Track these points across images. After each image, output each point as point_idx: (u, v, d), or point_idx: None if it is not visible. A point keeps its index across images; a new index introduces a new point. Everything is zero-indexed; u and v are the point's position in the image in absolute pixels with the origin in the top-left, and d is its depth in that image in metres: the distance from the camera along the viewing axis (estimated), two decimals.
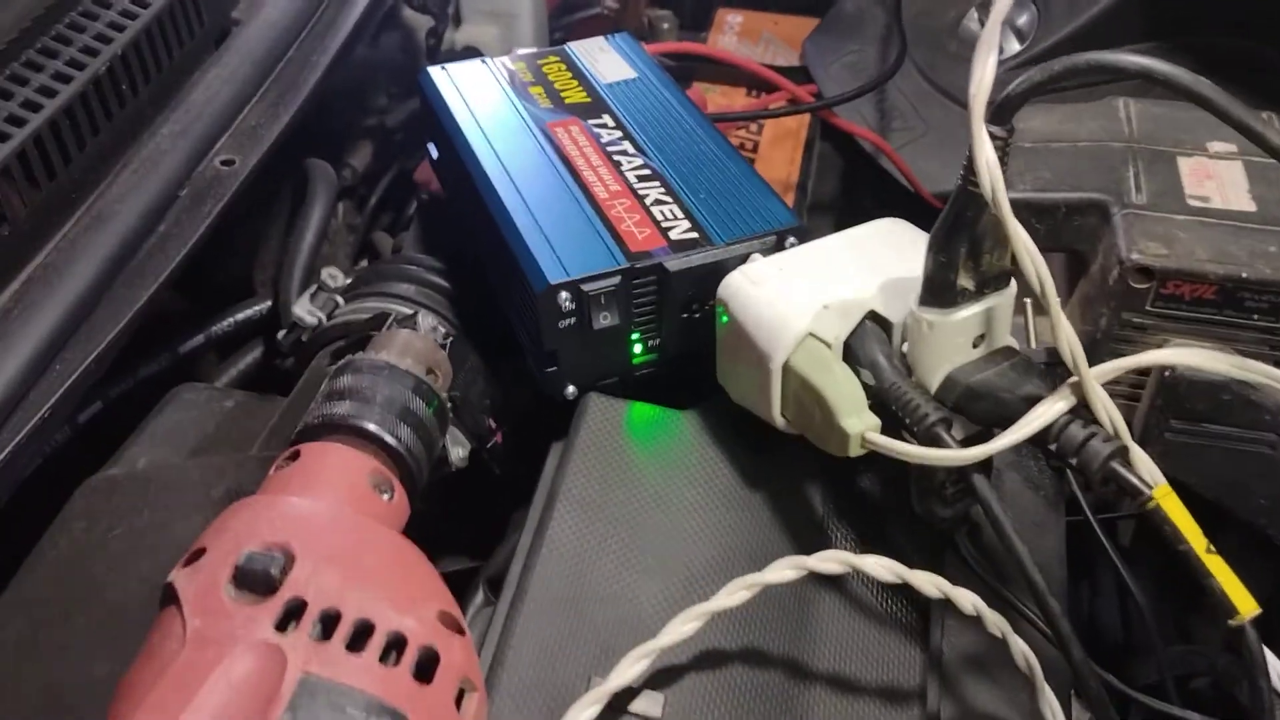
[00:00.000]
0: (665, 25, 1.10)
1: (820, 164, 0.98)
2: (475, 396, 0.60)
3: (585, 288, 0.55)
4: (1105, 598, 0.77)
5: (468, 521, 0.62)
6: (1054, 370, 0.63)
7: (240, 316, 0.77)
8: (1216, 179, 0.66)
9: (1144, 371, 0.66)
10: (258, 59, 0.64)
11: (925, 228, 0.95)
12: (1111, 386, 0.67)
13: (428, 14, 0.97)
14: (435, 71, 0.71)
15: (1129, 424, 0.67)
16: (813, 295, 0.52)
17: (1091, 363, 0.67)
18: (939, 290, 0.50)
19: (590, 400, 0.58)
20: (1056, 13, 0.96)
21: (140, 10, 0.60)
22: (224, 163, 0.60)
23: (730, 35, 1.09)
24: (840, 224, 1.00)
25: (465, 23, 1.04)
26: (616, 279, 0.56)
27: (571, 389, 0.58)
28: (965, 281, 0.50)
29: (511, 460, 0.62)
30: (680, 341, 0.59)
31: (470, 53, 1.02)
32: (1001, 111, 0.46)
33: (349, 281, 0.67)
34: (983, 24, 0.98)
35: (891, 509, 0.57)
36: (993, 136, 0.46)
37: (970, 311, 0.51)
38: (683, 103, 0.68)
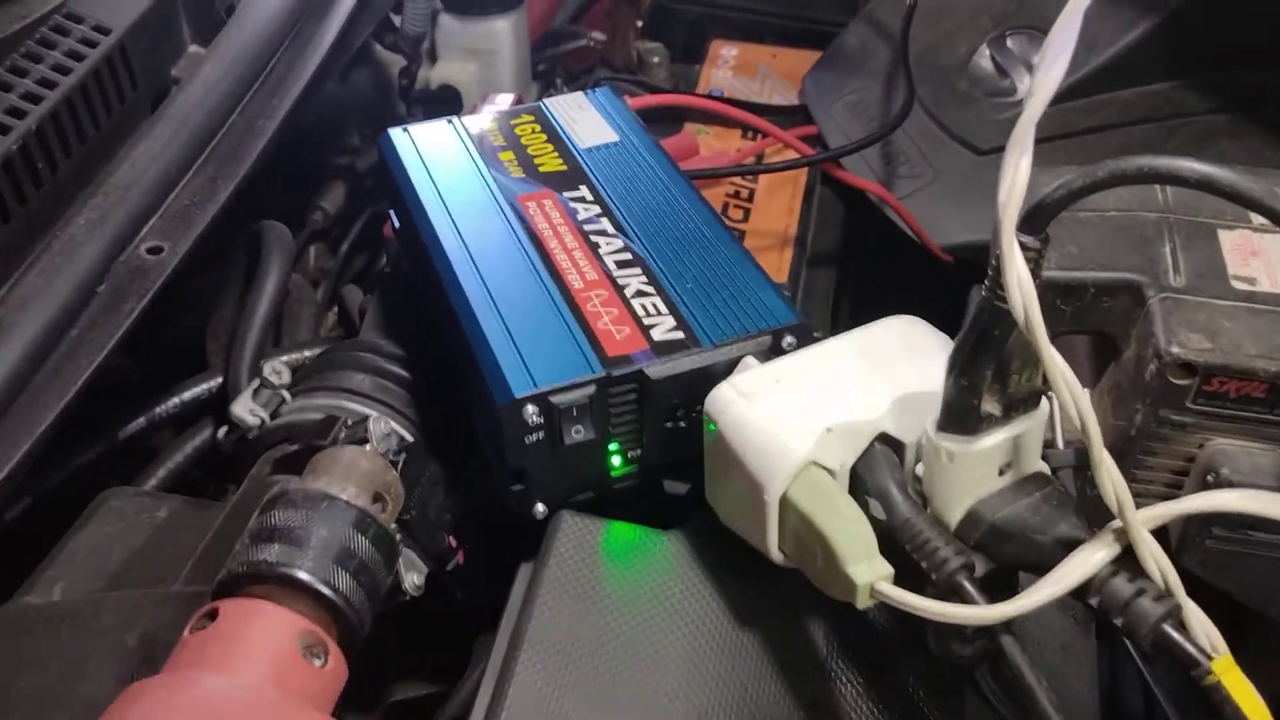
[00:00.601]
0: (656, 59, 1.04)
1: (821, 211, 0.91)
2: (434, 513, 0.53)
3: (555, 400, 0.48)
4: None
5: (426, 649, 0.55)
6: (1088, 492, 0.56)
7: (187, 395, 0.70)
8: (1263, 256, 0.60)
9: (1181, 470, 0.60)
10: (195, 127, 0.58)
11: (936, 282, 0.90)
12: (1144, 485, 0.61)
13: (399, 53, 0.90)
14: (396, 134, 0.64)
15: (1167, 527, 0.61)
16: (815, 415, 0.46)
17: (1123, 464, 0.61)
18: (960, 417, 0.43)
19: (562, 521, 0.52)
20: (1074, 50, 0.89)
21: (61, 78, 0.54)
22: (151, 250, 0.53)
23: (725, 69, 1.02)
24: (843, 279, 0.94)
25: (441, 60, 0.97)
26: (590, 389, 0.49)
27: (541, 507, 0.52)
28: (990, 406, 0.43)
29: (476, 580, 0.55)
30: (664, 451, 0.52)
31: (446, 91, 0.96)
32: (1035, 220, 0.39)
33: (293, 379, 0.60)
34: (995, 62, 0.93)
35: (902, 642, 0.50)
36: (1024, 248, 0.39)
37: (996, 440, 0.44)
38: (669, 172, 0.61)
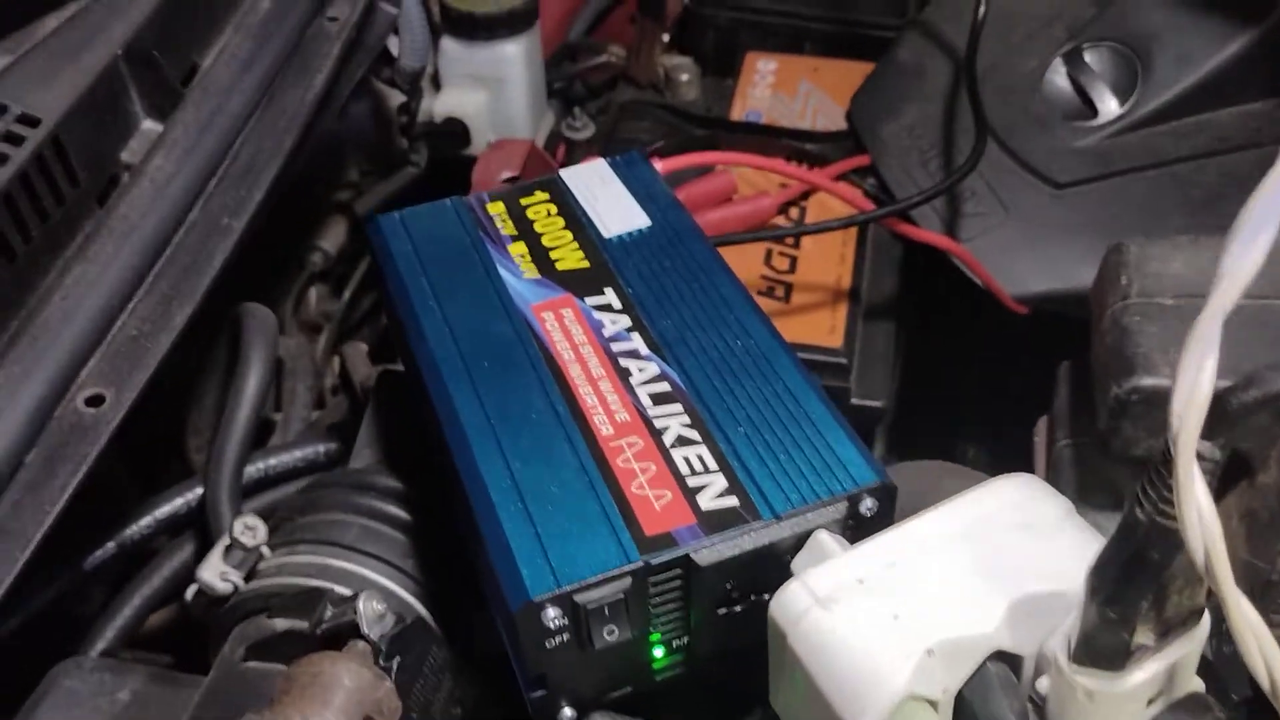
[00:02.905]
0: (685, 76, 0.93)
1: (876, 254, 0.81)
2: (439, 710, 0.44)
3: (581, 599, 0.39)
4: None
5: None
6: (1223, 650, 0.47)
7: (161, 513, 0.61)
8: None
9: None
10: (144, 236, 0.48)
11: (1011, 337, 0.79)
12: None
13: (395, 88, 0.80)
14: (386, 222, 0.55)
15: None
16: (911, 630, 0.36)
17: (1260, 606, 0.51)
18: (1104, 653, 0.34)
19: None
20: (1162, 67, 0.78)
21: None
22: (90, 401, 0.44)
23: (763, 87, 0.91)
24: (902, 336, 0.84)
25: (446, 88, 0.87)
26: (626, 582, 0.39)
27: (569, 713, 0.42)
28: (1143, 637, 0.34)
29: None
30: (717, 641, 0.43)
31: (452, 125, 0.86)
32: (1217, 427, 0.29)
33: (268, 538, 0.51)
34: (1074, 79, 0.81)
35: None
36: (1201, 460, 0.29)
37: (1149, 673, 0.34)
38: (712, 268, 0.51)
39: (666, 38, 0.95)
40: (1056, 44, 0.82)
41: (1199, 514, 0.29)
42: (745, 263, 0.77)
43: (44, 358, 0.44)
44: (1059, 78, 0.81)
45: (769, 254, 0.78)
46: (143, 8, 0.55)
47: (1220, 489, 0.53)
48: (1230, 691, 0.44)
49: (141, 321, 0.47)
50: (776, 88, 0.91)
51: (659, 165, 0.61)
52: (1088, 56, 0.80)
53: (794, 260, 0.78)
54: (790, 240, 0.79)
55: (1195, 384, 0.28)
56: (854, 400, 0.73)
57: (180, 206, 0.50)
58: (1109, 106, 0.79)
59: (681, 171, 0.74)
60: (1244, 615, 0.30)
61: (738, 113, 0.89)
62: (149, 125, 0.54)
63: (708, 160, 0.71)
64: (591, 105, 0.96)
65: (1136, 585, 0.32)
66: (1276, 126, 0.77)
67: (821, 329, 0.74)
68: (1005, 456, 0.76)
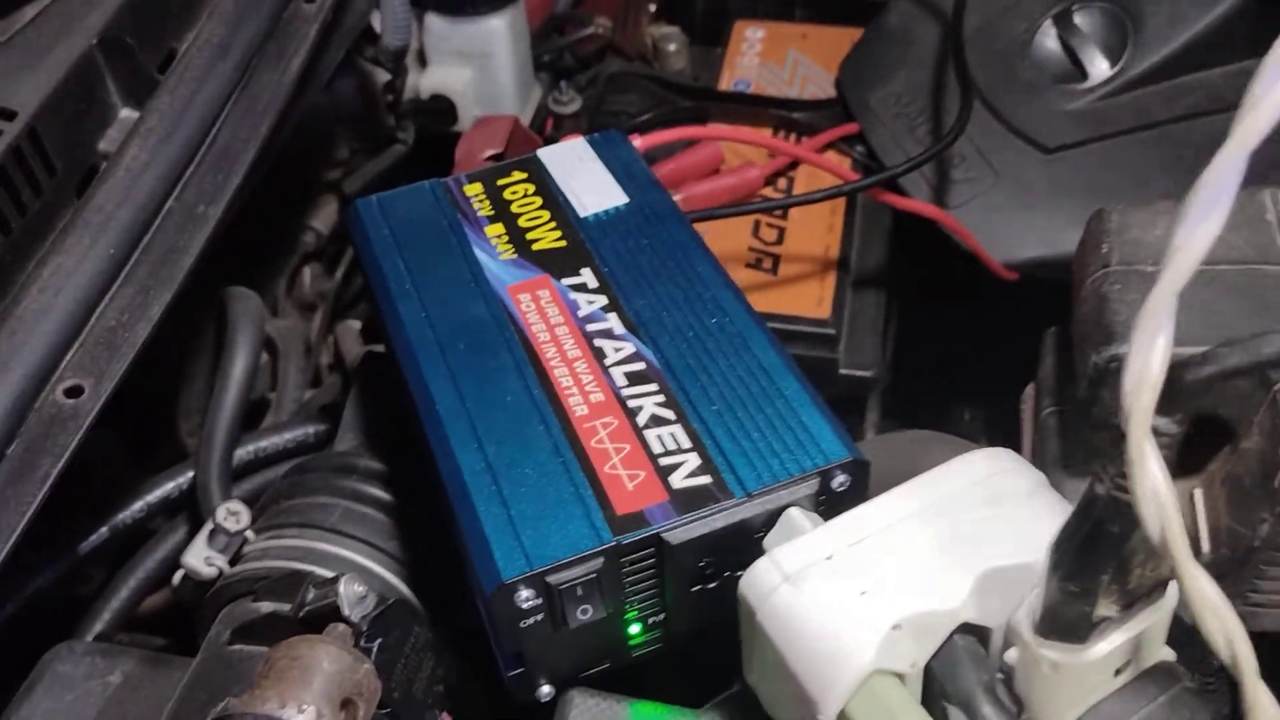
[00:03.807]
0: (672, 46, 0.92)
1: (865, 222, 0.81)
2: (421, 688, 0.45)
3: (553, 579, 0.39)
4: None
5: None
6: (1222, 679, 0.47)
7: (153, 497, 0.62)
8: None
9: None
10: (121, 226, 0.48)
11: (1002, 305, 0.79)
12: (1270, 596, 0.52)
13: (380, 66, 0.80)
14: (364, 206, 0.55)
15: None
16: (879, 606, 0.36)
17: (1242, 573, 0.51)
18: (1068, 626, 0.34)
19: (573, 704, 0.43)
20: (1153, 27, 0.77)
21: None
22: (69, 392, 0.44)
23: (751, 56, 0.91)
24: (893, 304, 0.84)
25: (432, 64, 0.86)
26: (598, 562, 0.40)
27: (547, 689, 0.43)
28: (1106, 609, 0.34)
29: None
30: (692, 618, 0.43)
31: (438, 102, 0.85)
32: (1169, 401, 0.29)
33: (251, 522, 0.52)
34: (1064, 41, 0.80)
35: None
36: (1158, 434, 0.29)
37: (1113, 645, 0.35)
38: (689, 246, 0.51)
39: (653, 8, 0.94)
40: (1046, 6, 0.81)
41: (1154, 489, 0.29)
42: (733, 235, 0.76)
43: (23, 350, 0.44)
44: (1049, 40, 0.80)
45: (757, 225, 0.77)
46: None
47: (1204, 456, 0.53)
48: (1210, 659, 0.44)
49: (119, 312, 0.47)
50: (764, 56, 0.91)
51: (640, 142, 0.61)
52: (1078, 18, 0.79)
53: (782, 231, 0.78)
54: (778, 211, 0.78)
55: (1147, 361, 0.28)
56: (843, 370, 0.73)
57: (156, 196, 0.50)
58: (1099, 68, 0.78)
59: (669, 143, 0.74)
60: (1200, 589, 0.30)
61: (726, 82, 0.89)
62: (126, 113, 0.55)
63: (690, 135, 0.70)
64: (580, 77, 0.96)
65: (1096, 559, 0.32)
66: None
67: (810, 300, 0.74)
68: (1000, 422, 0.76)
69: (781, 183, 0.81)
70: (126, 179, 0.49)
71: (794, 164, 0.81)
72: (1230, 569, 0.50)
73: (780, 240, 0.77)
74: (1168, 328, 0.28)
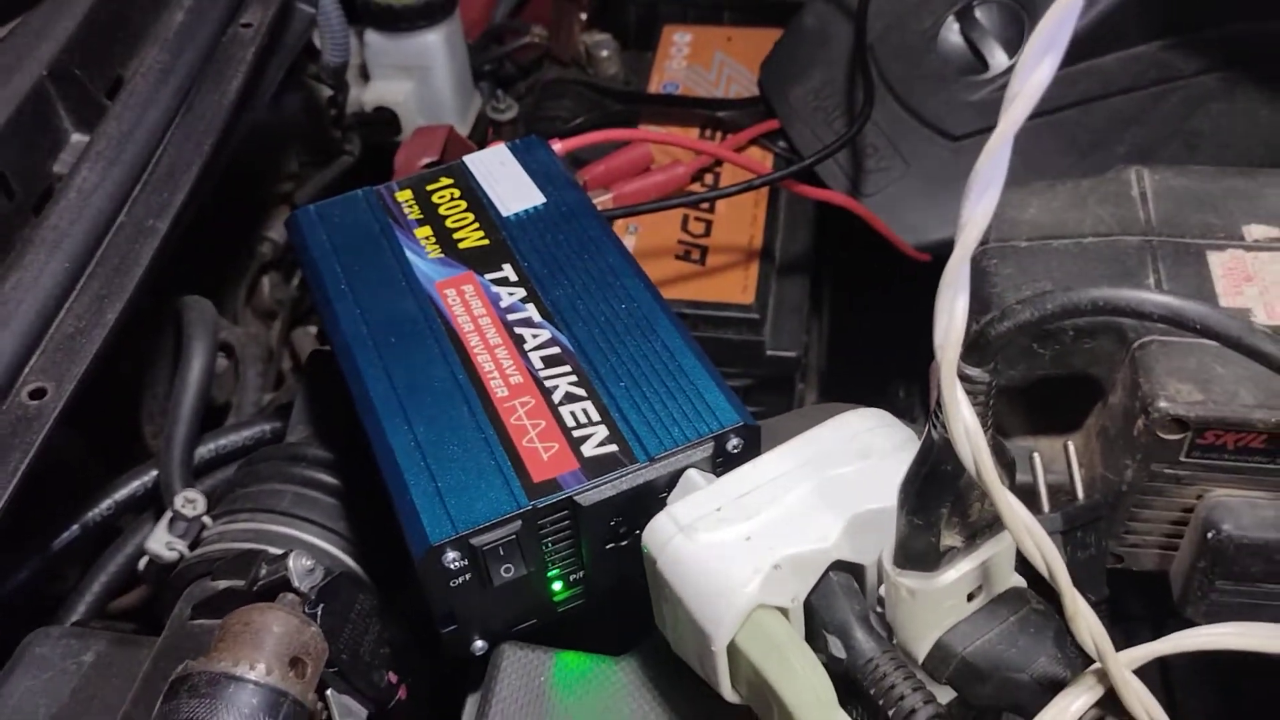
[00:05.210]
0: (605, 53, 0.97)
1: (789, 213, 0.86)
2: (368, 650, 0.49)
3: (476, 541, 0.44)
4: None
5: None
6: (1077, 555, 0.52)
7: (120, 496, 0.66)
8: (1258, 280, 0.54)
9: (1179, 520, 0.55)
10: (76, 240, 0.52)
11: (916, 284, 0.84)
12: (1142, 537, 0.57)
13: (322, 84, 0.84)
14: (303, 216, 0.59)
15: (1168, 575, 0.57)
16: (761, 549, 0.41)
17: (1115, 516, 0.56)
18: (918, 556, 0.39)
19: (505, 655, 0.48)
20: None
21: None
22: (33, 394, 0.49)
23: (679, 59, 0.95)
24: (817, 289, 0.89)
25: (374, 78, 0.91)
26: (516, 524, 0.44)
27: (480, 644, 0.48)
28: (951, 540, 0.39)
29: (423, 716, 0.52)
30: (610, 573, 0.48)
31: (381, 114, 0.90)
32: (979, 353, 0.34)
33: (207, 509, 0.56)
34: (965, 36, 0.85)
35: None
36: (970, 382, 0.34)
37: (960, 572, 0.40)
38: (600, 239, 0.56)
39: (584, 16, 0.99)
40: (950, 3, 0.86)
41: (964, 429, 0.34)
42: (663, 229, 0.81)
43: None
44: (952, 35, 0.85)
45: (685, 219, 0.82)
46: (65, 29, 0.59)
47: (1081, 413, 0.58)
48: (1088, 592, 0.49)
49: (77, 319, 0.51)
50: (692, 59, 0.96)
51: (562, 145, 0.66)
52: (978, 13, 0.84)
53: (709, 224, 0.82)
54: (705, 205, 0.83)
55: (950, 320, 0.33)
56: (769, 352, 0.78)
57: (107, 213, 0.54)
58: (999, 60, 0.83)
59: (601, 145, 0.79)
60: (1012, 511, 0.34)
61: (655, 85, 0.93)
62: (78, 138, 0.59)
63: (612, 137, 0.75)
64: (520, 85, 1.00)
65: (935, 495, 0.37)
66: (1157, 68, 0.81)
67: (735, 287, 0.79)
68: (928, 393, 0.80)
69: (708, 178, 0.85)
70: (79, 199, 0.54)
71: (720, 161, 0.85)
72: (1105, 514, 0.55)
73: (708, 233, 0.82)
74: (964, 291, 0.33)
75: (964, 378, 0.34)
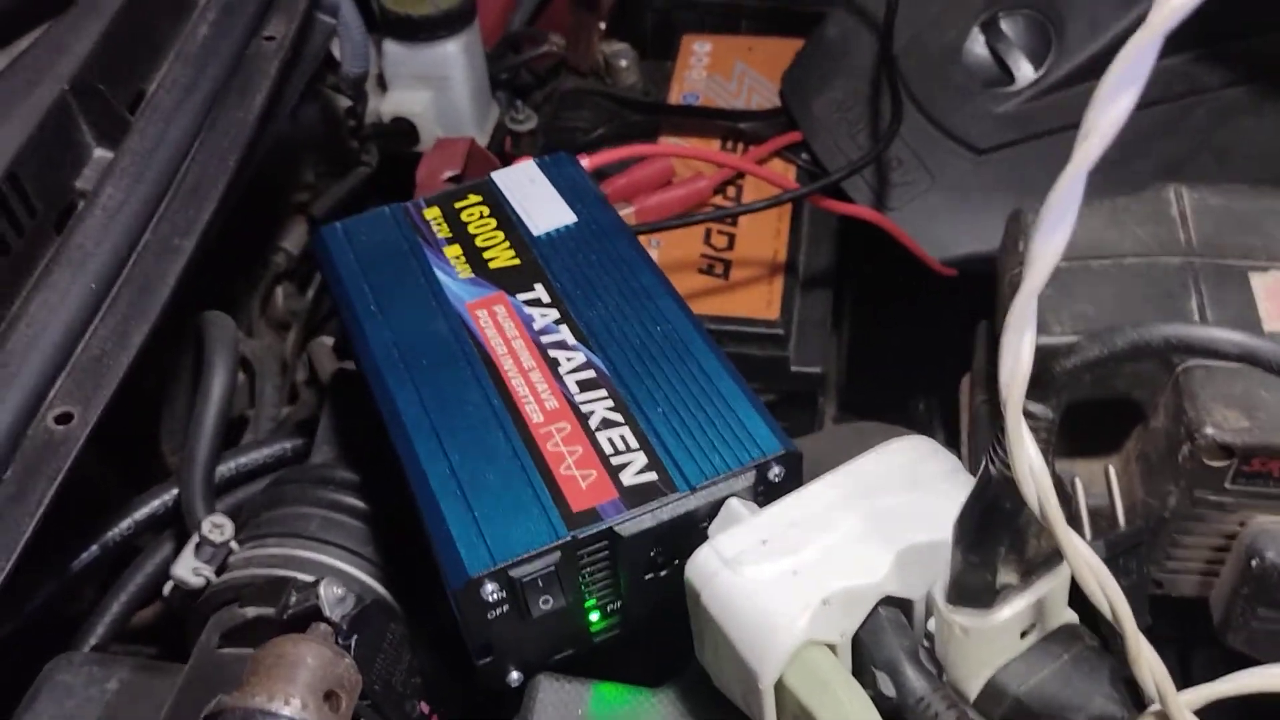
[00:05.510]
0: (624, 62, 0.96)
1: (812, 227, 0.85)
2: (400, 680, 0.48)
3: (515, 573, 0.43)
4: None
5: None
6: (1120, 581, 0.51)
7: (140, 515, 0.65)
8: None
9: (1221, 548, 0.54)
10: (101, 261, 0.51)
11: (942, 300, 0.83)
12: (1184, 563, 0.56)
13: (341, 94, 0.83)
14: (329, 233, 0.58)
15: (1207, 601, 0.56)
16: (808, 583, 0.40)
17: (1156, 542, 0.55)
18: (973, 594, 0.38)
19: (540, 688, 0.47)
20: (1074, 32, 0.81)
21: None
22: (59, 419, 0.48)
23: (699, 70, 0.95)
24: (840, 304, 0.88)
25: (392, 89, 0.90)
26: (556, 555, 0.43)
27: (516, 675, 0.47)
28: (1007, 577, 0.38)
29: None
30: (647, 604, 0.47)
31: (399, 124, 0.89)
32: (1042, 390, 0.34)
33: (235, 534, 0.55)
34: (992, 48, 0.85)
35: None
36: (1032, 419, 0.33)
37: (1015, 609, 0.39)
38: (634, 260, 0.55)
39: (603, 25, 0.98)
40: (974, 14, 0.85)
41: (1030, 468, 0.33)
42: (686, 243, 0.80)
43: (14, 382, 0.47)
44: (978, 46, 0.84)
45: (708, 233, 0.81)
46: (87, 42, 0.58)
47: (1121, 436, 0.57)
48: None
49: (103, 341, 0.50)
50: (712, 69, 0.95)
51: (589, 161, 0.65)
52: (1004, 24, 0.84)
53: (732, 238, 0.81)
54: (728, 218, 0.82)
55: (1017, 357, 0.32)
56: (794, 368, 0.77)
57: (132, 231, 0.53)
58: (1025, 72, 0.82)
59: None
60: (1078, 552, 0.34)
61: (675, 95, 0.92)
62: (100, 153, 0.58)
63: (637, 153, 0.74)
64: (537, 95, 0.99)
65: (993, 533, 0.36)
66: (1183, 81, 0.80)
67: (759, 302, 0.78)
68: (952, 411, 0.80)
69: (731, 191, 0.84)
70: (104, 216, 0.53)
71: (743, 173, 0.84)
72: (1146, 539, 0.54)
73: (731, 246, 0.81)
74: (1032, 325, 0.32)
75: (1027, 414, 0.33)
